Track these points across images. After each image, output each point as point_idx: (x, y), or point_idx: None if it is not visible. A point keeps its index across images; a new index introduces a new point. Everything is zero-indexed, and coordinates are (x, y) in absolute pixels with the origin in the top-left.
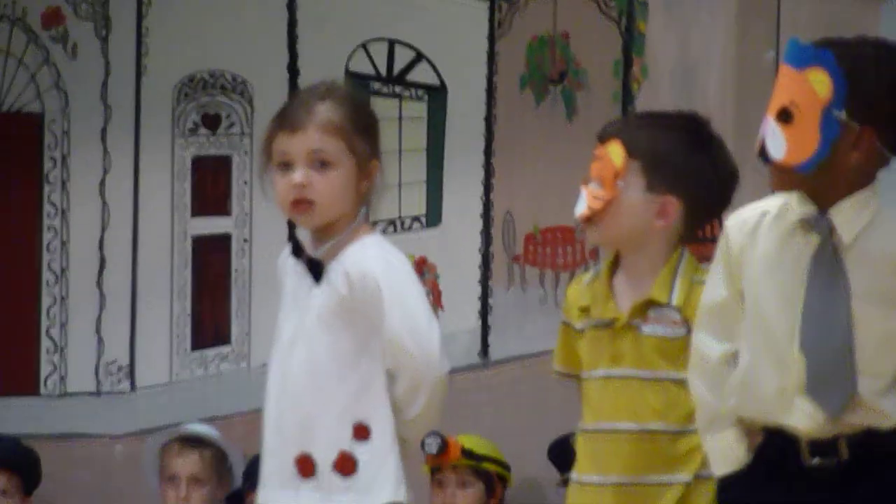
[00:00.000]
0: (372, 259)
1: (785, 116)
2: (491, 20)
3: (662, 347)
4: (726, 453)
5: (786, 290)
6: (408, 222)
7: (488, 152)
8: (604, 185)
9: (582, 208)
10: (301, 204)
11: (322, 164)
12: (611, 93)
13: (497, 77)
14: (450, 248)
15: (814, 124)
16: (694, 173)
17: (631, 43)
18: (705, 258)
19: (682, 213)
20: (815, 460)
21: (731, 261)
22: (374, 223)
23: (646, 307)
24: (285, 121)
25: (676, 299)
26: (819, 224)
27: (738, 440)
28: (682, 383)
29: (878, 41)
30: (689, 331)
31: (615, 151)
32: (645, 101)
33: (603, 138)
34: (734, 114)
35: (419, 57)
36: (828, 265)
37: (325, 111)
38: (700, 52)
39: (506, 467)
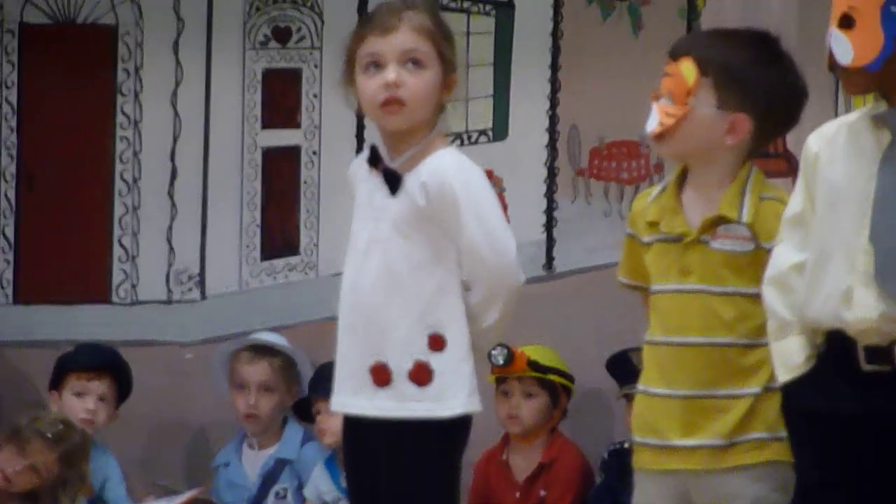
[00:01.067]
0: (449, 170)
1: (847, 22)
2: None
3: (731, 262)
4: (788, 360)
5: (857, 185)
6: (475, 136)
7: (555, 67)
8: (675, 101)
9: (654, 124)
10: (392, 104)
11: (414, 64)
12: (676, 8)
13: None
14: (516, 162)
15: (875, 23)
16: (765, 91)
17: None
18: (772, 174)
19: (751, 129)
20: (871, 366)
21: (809, 170)
22: (445, 136)
23: (715, 223)
24: (375, 24)
25: (746, 216)
26: (891, 119)
27: (800, 348)
28: (751, 297)
29: None
30: (757, 246)
31: (687, 68)
32: (710, 18)
33: (675, 55)
34: (798, 30)
35: None
36: None
37: (416, 15)
38: None
39: (569, 378)
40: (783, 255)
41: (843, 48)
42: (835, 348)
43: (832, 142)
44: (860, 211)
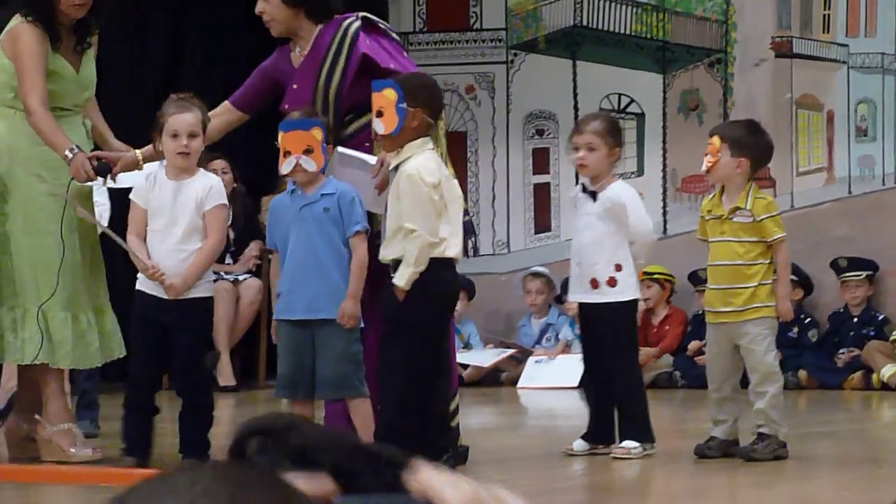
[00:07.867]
0: (620, 192)
1: (379, 114)
2: (664, 84)
3: (742, 227)
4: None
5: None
6: (630, 175)
7: (664, 140)
8: (712, 156)
9: (704, 167)
10: (582, 167)
11: (589, 150)
12: (718, 113)
13: (667, 108)
14: (649, 185)
15: (393, 113)
16: (753, 147)
17: (726, 91)
18: (761, 186)
19: (749, 165)
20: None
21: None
22: (616, 175)
23: (735, 209)
24: (575, 128)
25: (749, 206)
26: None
27: None
28: (751, 243)
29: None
30: (753, 220)
31: (716, 140)
32: (734, 117)
33: (711, 134)
34: (770, 122)
35: (632, 100)
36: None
37: (592, 122)
38: (756, 96)
39: (671, 276)
40: None
41: (378, 126)
42: None
43: None
44: None
